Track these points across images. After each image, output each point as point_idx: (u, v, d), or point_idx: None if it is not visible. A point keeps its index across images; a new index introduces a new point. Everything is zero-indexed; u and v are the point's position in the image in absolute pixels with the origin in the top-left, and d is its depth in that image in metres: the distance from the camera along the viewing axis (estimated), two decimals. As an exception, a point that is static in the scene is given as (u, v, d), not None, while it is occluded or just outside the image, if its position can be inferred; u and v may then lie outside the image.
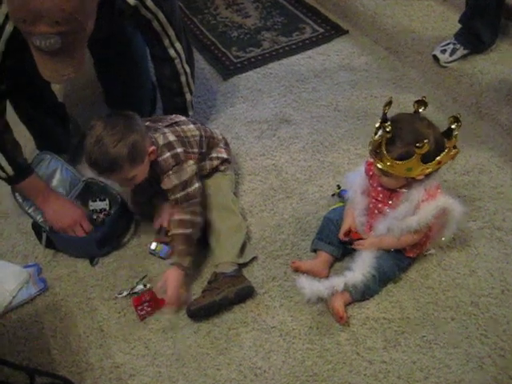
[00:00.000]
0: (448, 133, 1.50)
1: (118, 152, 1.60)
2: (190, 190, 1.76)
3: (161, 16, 1.79)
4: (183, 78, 2.04)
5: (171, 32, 1.86)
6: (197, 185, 1.78)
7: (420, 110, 1.55)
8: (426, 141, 1.41)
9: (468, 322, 1.60)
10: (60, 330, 1.73)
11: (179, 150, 1.76)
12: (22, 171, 1.82)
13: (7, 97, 1.76)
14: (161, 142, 1.76)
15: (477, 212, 1.88)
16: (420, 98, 1.55)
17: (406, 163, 1.47)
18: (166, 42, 1.88)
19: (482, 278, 1.70)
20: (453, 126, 1.49)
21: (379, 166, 1.52)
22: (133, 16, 1.75)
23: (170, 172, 1.74)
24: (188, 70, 2.01)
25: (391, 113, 1.54)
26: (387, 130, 1.46)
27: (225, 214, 1.86)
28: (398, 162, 1.48)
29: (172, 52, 1.92)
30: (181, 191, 1.75)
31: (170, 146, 1.76)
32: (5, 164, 1.76)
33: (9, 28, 1.56)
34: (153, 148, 1.71)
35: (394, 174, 1.52)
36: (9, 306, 1.77)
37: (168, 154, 1.75)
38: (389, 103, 1.54)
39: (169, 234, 1.80)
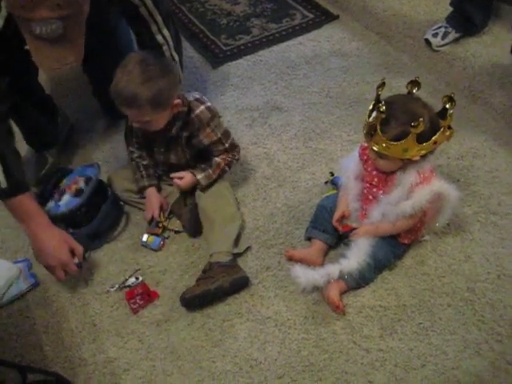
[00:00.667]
0: (442, 113, 1.49)
1: (142, 91, 1.60)
2: (230, 139, 1.86)
3: (148, 2, 1.76)
4: (165, 48, 2.00)
5: (158, 18, 1.83)
6: (231, 136, 1.87)
7: (414, 91, 1.54)
8: (421, 119, 1.40)
9: (464, 308, 1.59)
10: (52, 326, 1.71)
11: (209, 103, 1.83)
12: (16, 186, 1.64)
13: (10, 99, 1.67)
14: (190, 98, 1.80)
15: (471, 197, 1.87)
16: (413, 79, 1.54)
17: (402, 144, 1.46)
18: (154, 29, 1.85)
19: (477, 263, 1.69)
20: (447, 106, 1.48)
21: (375, 148, 1.51)
22: (120, 2, 1.72)
23: (209, 129, 1.79)
24: (176, 57, 1.98)
25: (383, 98, 1.51)
26: (381, 110, 1.45)
27: (219, 203, 1.85)
28: (393, 142, 1.46)
29: (160, 38, 1.88)
30: (225, 143, 1.84)
31: (200, 100, 1.82)
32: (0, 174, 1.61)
33: None
34: (178, 101, 1.72)
35: (389, 156, 1.51)
36: (-1, 303, 1.75)
37: (202, 107, 1.79)
38: (382, 84, 1.52)
39: (213, 161, 1.86)
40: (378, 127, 1.47)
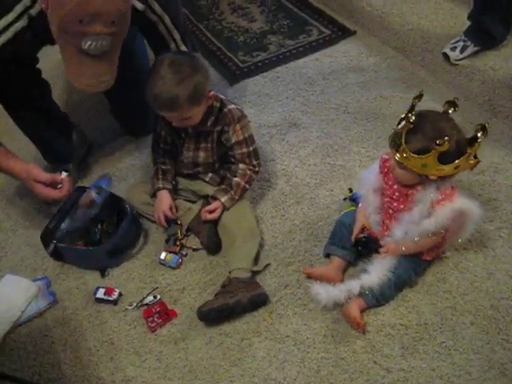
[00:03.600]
0: (472, 140, 1.47)
1: (179, 91, 1.64)
2: (254, 146, 1.89)
3: (166, 19, 1.79)
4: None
5: (177, 36, 1.85)
6: (256, 143, 1.90)
7: (449, 112, 1.53)
8: (446, 138, 1.39)
9: (488, 327, 1.55)
10: (70, 344, 1.71)
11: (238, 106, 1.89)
12: None
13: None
14: (221, 96, 1.86)
15: (493, 212, 1.83)
16: (451, 99, 1.53)
17: (423, 158, 1.45)
18: (172, 46, 1.87)
19: (500, 280, 1.65)
20: (478, 134, 1.46)
21: (396, 157, 1.50)
22: (139, 20, 1.74)
23: (238, 125, 1.83)
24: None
25: (404, 111, 1.50)
26: (411, 120, 1.44)
27: (240, 219, 1.85)
28: (414, 155, 1.45)
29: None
30: (249, 146, 1.87)
31: (229, 101, 1.89)
32: None
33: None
34: (212, 93, 1.77)
35: (408, 168, 1.49)
36: (18, 321, 1.73)
37: (233, 106, 1.86)
38: (419, 96, 1.52)
39: (232, 182, 1.87)
40: (404, 136, 1.46)
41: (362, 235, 1.70)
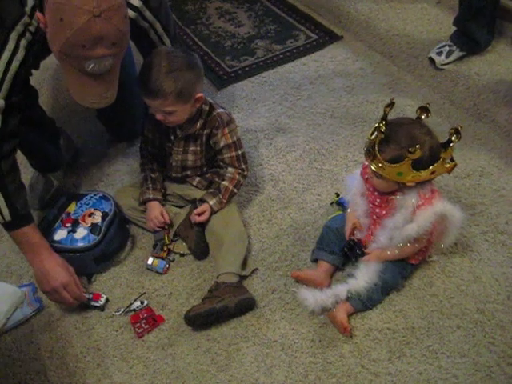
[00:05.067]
0: (447, 144, 1.47)
1: (167, 80, 1.65)
2: (242, 150, 1.91)
3: (157, 26, 1.79)
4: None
5: (167, 42, 1.85)
6: (244, 148, 1.92)
7: (422, 117, 1.53)
8: (417, 146, 1.39)
9: (474, 330, 1.56)
10: (56, 351, 1.69)
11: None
12: (20, 218, 1.67)
13: (18, 136, 1.69)
14: (210, 99, 1.88)
15: (479, 216, 1.85)
16: (424, 105, 1.53)
17: (397, 167, 1.45)
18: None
19: (486, 283, 1.66)
20: (452, 138, 1.46)
21: (371, 167, 1.51)
22: (131, 28, 1.74)
23: (227, 129, 1.85)
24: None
25: (390, 116, 1.51)
26: (381, 130, 1.45)
27: (228, 222, 1.85)
28: (388, 164, 1.46)
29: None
30: (238, 150, 1.88)
31: (218, 105, 1.90)
32: (4, 208, 1.63)
33: (15, 63, 1.56)
34: (201, 95, 1.76)
35: (384, 177, 1.50)
36: (3, 328, 1.71)
37: (221, 110, 1.87)
38: (390, 104, 1.52)
39: (220, 185, 1.88)
40: (376, 146, 1.47)
41: (352, 238, 1.70)
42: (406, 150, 1.41)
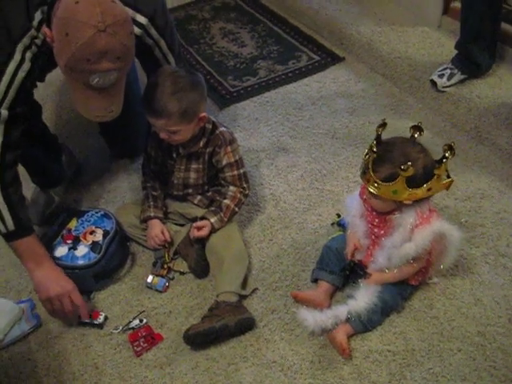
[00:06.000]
0: (441, 160, 1.48)
1: (171, 101, 1.66)
2: (244, 169, 1.91)
3: (162, 43, 1.80)
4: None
5: (171, 60, 1.87)
6: (245, 167, 1.93)
7: (416, 136, 1.53)
8: (409, 163, 1.39)
9: (475, 353, 1.55)
10: (53, 369, 1.68)
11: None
12: (23, 228, 1.69)
13: (21, 147, 1.70)
14: (213, 118, 1.88)
15: (480, 238, 1.85)
16: (416, 124, 1.54)
17: (392, 185, 1.45)
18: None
19: (487, 306, 1.66)
20: (446, 154, 1.46)
21: (367, 188, 1.51)
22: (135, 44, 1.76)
23: (229, 148, 1.85)
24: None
25: (386, 138, 1.52)
26: (374, 150, 1.46)
27: (228, 241, 1.84)
28: (383, 183, 1.46)
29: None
30: (239, 168, 1.89)
31: (221, 124, 1.91)
32: (7, 217, 1.64)
33: (20, 74, 1.57)
34: (204, 114, 1.77)
35: (381, 196, 1.50)
36: (1, 345, 1.72)
37: (224, 129, 1.88)
38: (382, 125, 1.53)
39: (222, 204, 1.87)
40: (370, 166, 1.47)
41: (352, 259, 1.69)
42: (399, 167, 1.41)
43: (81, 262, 1.81)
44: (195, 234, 1.84)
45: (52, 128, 2.27)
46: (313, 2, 3.12)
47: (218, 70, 2.89)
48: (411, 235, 1.54)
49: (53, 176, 2.15)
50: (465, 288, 1.71)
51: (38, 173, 2.11)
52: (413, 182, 1.45)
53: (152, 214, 1.92)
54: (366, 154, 1.51)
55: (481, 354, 1.54)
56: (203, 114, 1.76)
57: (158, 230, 1.90)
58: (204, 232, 1.84)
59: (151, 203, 1.94)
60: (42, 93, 2.52)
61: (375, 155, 1.47)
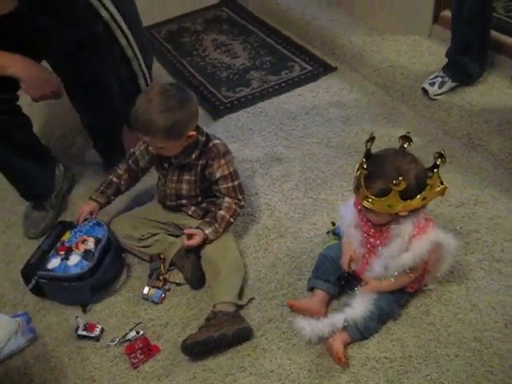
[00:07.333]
0: (432, 169, 1.47)
1: (157, 120, 1.65)
2: (239, 181, 1.90)
3: (140, 58, 1.81)
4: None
5: (146, 72, 1.87)
6: (240, 179, 1.91)
7: (405, 146, 1.53)
8: (400, 178, 1.39)
9: (472, 359, 1.55)
10: (50, 382, 1.67)
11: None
12: None
13: None
14: (206, 130, 1.88)
15: (474, 244, 1.85)
16: (404, 134, 1.54)
17: (386, 200, 1.45)
18: (141, 81, 1.89)
19: (483, 312, 1.66)
20: (437, 162, 1.46)
21: (362, 203, 1.51)
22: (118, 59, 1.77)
23: (223, 160, 1.84)
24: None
25: (385, 146, 1.53)
26: (364, 166, 1.46)
27: (224, 251, 1.84)
28: (377, 198, 1.46)
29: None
30: (234, 180, 1.87)
31: (215, 136, 1.90)
32: None
33: None
34: (193, 133, 1.76)
35: (375, 211, 1.50)
36: (-3, 359, 1.71)
37: (218, 141, 1.87)
38: (371, 139, 1.52)
39: (217, 215, 1.86)
40: (362, 182, 1.47)
41: (348, 269, 1.69)
42: (391, 182, 1.41)
43: (73, 271, 1.80)
44: (186, 243, 1.84)
45: (45, 141, 2.27)
46: (305, 13, 3.14)
47: (211, 82, 2.91)
48: (409, 245, 1.53)
49: (43, 188, 2.14)
50: (461, 294, 1.71)
51: (27, 184, 2.11)
52: (406, 194, 1.44)
53: (93, 197, 1.97)
54: (357, 170, 1.51)
55: (478, 360, 1.54)
56: (192, 133, 1.75)
57: (86, 207, 1.94)
58: (195, 241, 1.82)
59: (101, 188, 1.99)
60: (36, 107, 2.52)
61: (366, 172, 1.46)
